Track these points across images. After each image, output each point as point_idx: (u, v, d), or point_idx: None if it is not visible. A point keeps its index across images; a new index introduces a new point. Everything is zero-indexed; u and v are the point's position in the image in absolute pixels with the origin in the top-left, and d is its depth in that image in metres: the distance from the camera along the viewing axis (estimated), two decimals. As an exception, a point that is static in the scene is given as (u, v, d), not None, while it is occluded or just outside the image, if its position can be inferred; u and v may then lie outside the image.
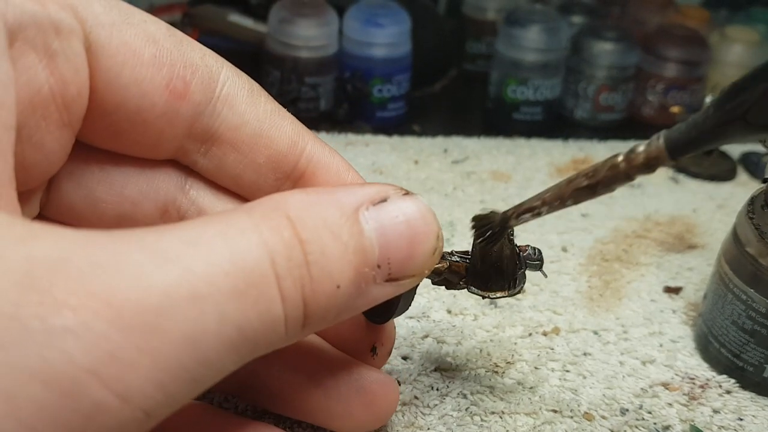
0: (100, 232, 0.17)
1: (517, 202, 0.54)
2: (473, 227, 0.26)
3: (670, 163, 0.21)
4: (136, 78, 0.22)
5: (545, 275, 0.29)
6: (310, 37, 0.59)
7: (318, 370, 0.28)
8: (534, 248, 0.28)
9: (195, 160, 0.25)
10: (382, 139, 0.59)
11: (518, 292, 0.28)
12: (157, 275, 0.16)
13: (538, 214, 0.24)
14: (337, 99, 0.62)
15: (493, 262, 0.27)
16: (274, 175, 0.26)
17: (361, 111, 0.62)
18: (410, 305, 0.27)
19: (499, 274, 0.27)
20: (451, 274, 0.27)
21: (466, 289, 0.28)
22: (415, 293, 0.27)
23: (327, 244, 0.19)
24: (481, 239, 0.26)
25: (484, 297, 0.28)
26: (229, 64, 0.25)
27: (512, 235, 0.27)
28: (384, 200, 0.21)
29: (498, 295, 0.27)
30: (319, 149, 0.26)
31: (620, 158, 0.22)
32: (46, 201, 0.24)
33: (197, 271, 0.17)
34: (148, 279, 0.16)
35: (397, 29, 0.60)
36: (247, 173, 0.25)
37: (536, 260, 0.28)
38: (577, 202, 0.23)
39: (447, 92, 0.72)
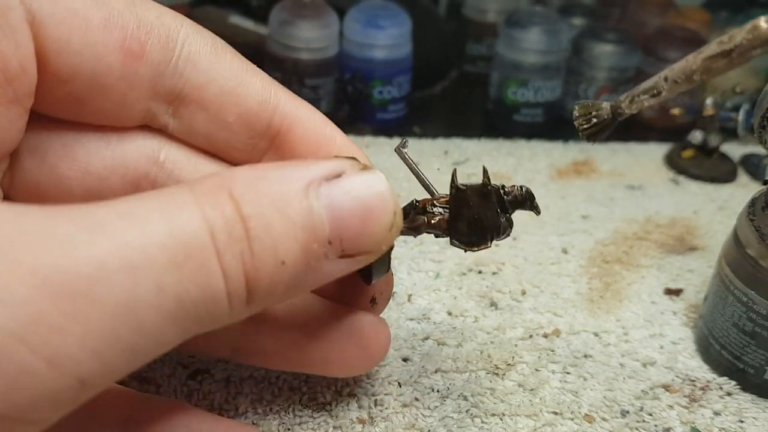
0: (33, 206, 0.17)
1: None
2: (578, 121, 0.24)
3: None
4: (87, 42, 0.22)
5: (538, 212, 0.27)
6: (310, 38, 0.59)
7: (308, 321, 0.28)
8: (521, 187, 0.27)
9: (165, 123, 0.25)
10: (382, 140, 0.59)
11: (504, 238, 0.27)
12: (89, 245, 0.16)
13: (658, 95, 0.21)
14: (337, 100, 0.62)
15: (470, 217, 0.26)
16: (247, 134, 0.25)
17: (361, 112, 0.62)
18: (388, 270, 0.27)
19: (479, 228, 0.26)
20: (432, 228, 0.26)
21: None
22: (389, 259, 0.26)
23: (271, 221, 0.19)
24: (588, 128, 0.24)
25: (465, 251, 0.27)
26: (191, 22, 0.24)
27: (489, 185, 0.26)
28: (338, 176, 0.21)
29: (480, 248, 0.26)
30: (294, 105, 0.26)
31: (762, 20, 0.20)
32: (10, 182, 0.24)
33: (132, 243, 0.17)
34: (79, 249, 0.16)
35: (397, 31, 0.60)
36: (220, 133, 0.25)
37: (525, 201, 0.27)
38: (709, 74, 0.20)
39: (447, 94, 0.72)
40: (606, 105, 0.23)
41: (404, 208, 0.27)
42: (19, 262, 0.15)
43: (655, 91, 0.22)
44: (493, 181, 0.26)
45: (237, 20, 0.68)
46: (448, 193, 0.26)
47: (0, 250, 0.15)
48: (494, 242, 0.27)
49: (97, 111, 0.23)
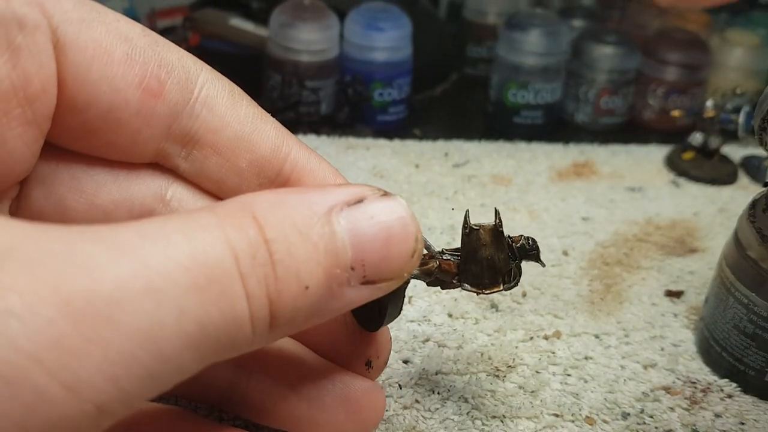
0: (54, 225, 0.16)
1: (517, 205, 0.54)
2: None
3: None
4: (107, 74, 0.22)
5: (543, 264, 0.28)
6: (311, 41, 0.59)
7: (301, 379, 0.27)
8: (527, 238, 0.27)
9: (177, 164, 0.25)
10: (382, 142, 0.59)
11: (514, 286, 0.27)
12: (110, 267, 0.16)
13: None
14: (337, 103, 0.62)
15: (483, 258, 0.26)
16: (258, 180, 0.25)
17: (361, 115, 0.62)
18: (400, 311, 0.26)
19: (492, 270, 0.26)
20: (443, 273, 0.26)
21: (460, 288, 0.27)
22: (403, 298, 0.26)
23: (294, 244, 0.19)
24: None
25: (478, 294, 0.27)
26: (209, 68, 0.25)
27: (501, 227, 0.26)
28: (360, 201, 0.21)
29: (493, 291, 0.27)
30: (305, 155, 0.26)
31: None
32: (16, 209, 0.24)
33: (154, 265, 0.16)
34: (101, 270, 0.16)
35: (397, 33, 0.61)
36: (230, 178, 0.25)
37: (531, 250, 0.27)
38: None
39: (448, 96, 0.72)
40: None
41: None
42: (41, 282, 0.15)
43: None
44: (499, 224, 0.26)
45: (237, 22, 0.68)
46: (461, 233, 0.27)
47: (23, 268, 0.15)
48: (505, 287, 0.27)
49: (109, 145, 0.23)
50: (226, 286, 0.17)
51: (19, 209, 0.24)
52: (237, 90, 0.25)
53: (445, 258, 0.27)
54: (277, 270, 0.18)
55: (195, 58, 0.24)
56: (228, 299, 0.17)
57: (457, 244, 0.27)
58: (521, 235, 0.27)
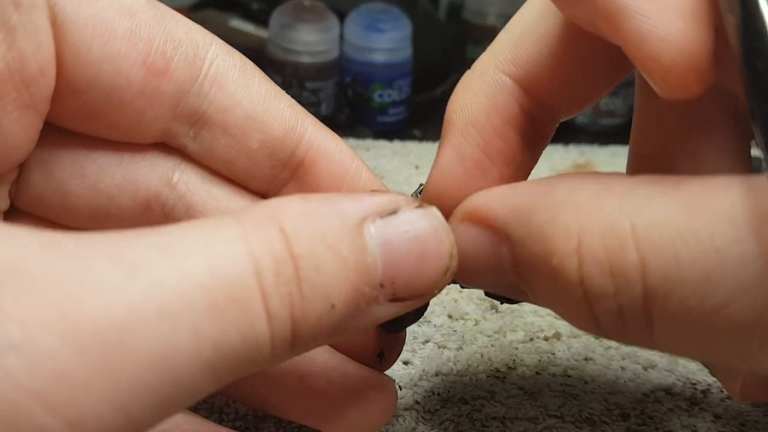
0: (65, 236, 0.15)
1: (518, 206, 0.53)
2: None
3: None
4: (108, 53, 0.21)
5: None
6: (311, 42, 0.59)
7: (310, 371, 0.26)
8: None
9: (185, 144, 0.23)
10: (383, 143, 0.59)
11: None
12: (122, 288, 0.15)
13: None
14: (338, 104, 0.62)
15: None
16: (270, 162, 0.24)
17: (361, 116, 0.62)
18: (424, 314, 0.25)
19: None
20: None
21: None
22: (427, 305, 0.25)
23: (323, 260, 0.18)
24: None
25: (502, 302, 0.26)
26: (220, 42, 0.23)
27: None
28: (394, 212, 0.19)
29: (519, 301, 0.26)
30: (321, 135, 0.24)
31: None
32: (16, 192, 0.23)
33: (170, 284, 0.15)
34: (111, 291, 0.15)
35: (397, 34, 0.61)
36: (241, 159, 0.24)
37: None
38: None
39: (448, 97, 0.72)
40: None
41: None
42: (45, 307, 0.14)
43: None
44: None
45: (237, 24, 0.68)
46: None
47: (26, 290, 0.14)
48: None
49: (112, 126, 0.22)
50: (247, 306, 0.16)
51: (19, 193, 0.23)
52: (249, 65, 0.24)
53: None
54: (303, 288, 0.17)
55: (205, 31, 0.23)
56: (248, 320, 0.16)
57: None
58: None
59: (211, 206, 0.25)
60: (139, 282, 0.15)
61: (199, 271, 0.16)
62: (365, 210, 0.19)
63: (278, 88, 0.24)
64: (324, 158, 0.24)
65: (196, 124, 0.23)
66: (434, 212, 0.20)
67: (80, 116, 0.22)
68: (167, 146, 0.24)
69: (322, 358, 0.27)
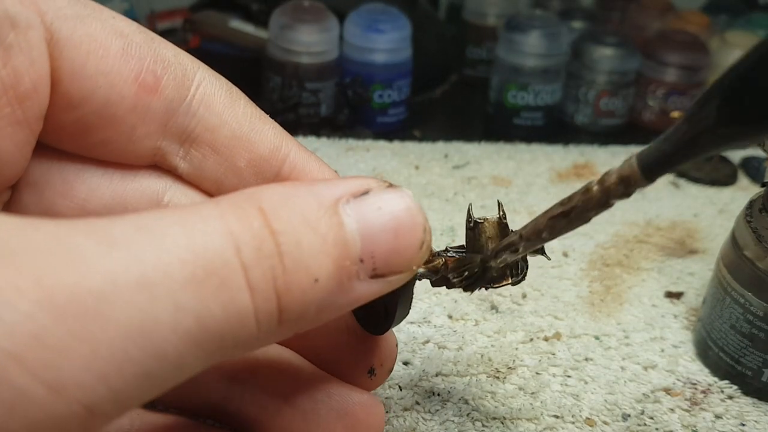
0: (46, 219, 0.16)
1: (518, 207, 0.54)
2: (453, 276, 0.25)
3: (644, 183, 0.20)
4: (102, 69, 0.21)
5: (548, 258, 0.27)
6: (310, 42, 0.59)
7: (296, 391, 0.26)
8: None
9: (175, 164, 0.24)
10: (382, 144, 0.59)
11: (522, 279, 0.27)
12: (100, 260, 0.15)
13: (516, 251, 0.23)
14: (337, 104, 0.62)
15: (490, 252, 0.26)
16: (256, 180, 0.25)
17: (361, 116, 0.62)
18: (408, 312, 0.26)
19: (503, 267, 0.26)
20: (450, 271, 0.26)
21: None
22: (412, 299, 0.26)
23: (303, 236, 0.18)
24: (461, 280, 0.25)
25: (486, 288, 0.26)
26: (206, 67, 0.24)
27: (505, 219, 0.26)
28: (366, 192, 0.20)
29: (501, 285, 0.26)
30: (304, 157, 0.26)
31: (593, 183, 0.21)
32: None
33: (148, 258, 0.16)
34: (90, 263, 0.15)
35: (397, 35, 0.61)
36: (229, 177, 0.25)
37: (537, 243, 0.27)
38: (553, 234, 0.22)
39: (448, 97, 0.72)
40: (477, 258, 0.25)
41: None
42: (21, 275, 0.14)
43: (513, 248, 0.23)
44: (503, 216, 0.26)
45: (237, 24, 0.68)
46: (465, 227, 0.26)
47: (4, 260, 0.14)
48: (513, 280, 0.26)
49: (104, 143, 0.23)
50: (226, 279, 0.17)
51: (9, 212, 0.23)
52: (235, 89, 0.25)
53: (450, 255, 0.26)
54: (285, 262, 0.18)
55: (192, 57, 0.24)
56: (228, 292, 0.17)
57: (459, 243, 0.27)
58: (526, 226, 0.27)
59: None
60: (118, 255, 0.15)
61: (178, 247, 0.16)
62: (340, 191, 0.20)
63: (261, 111, 0.25)
64: (307, 177, 0.26)
65: (185, 143, 0.24)
66: (405, 191, 0.21)
67: (73, 132, 0.23)
68: (157, 168, 0.25)
69: (308, 377, 0.27)
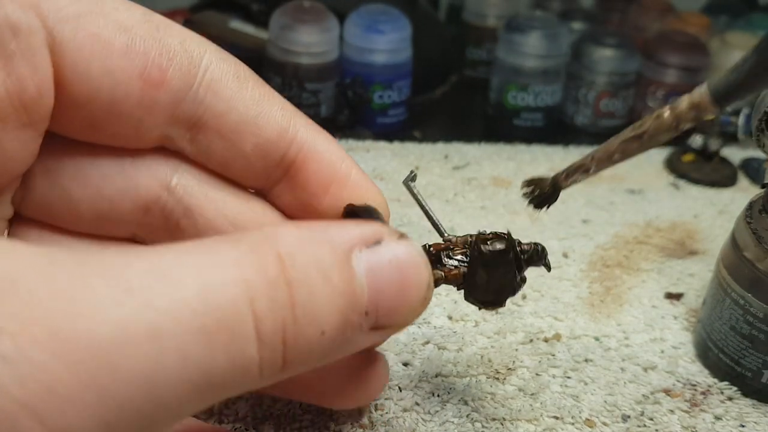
0: (65, 253, 0.16)
1: (518, 208, 0.54)
2: (524, 193, 0.25)
3: (714, 109, 0.20)
4: (106, 69, 0.21)
5: (548, 269, 0.27)
6: (310, 43, 0.59)
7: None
8: (537, 248, 0.27)
9: (182, 147, 0.25)
10: (382, 145, 0.59)
11: (514, 294, 0.27)
12: (114, 307, 0.15)
13: (587, 172, 0.24)
14: (337, 105, 0.62)
15: (490, 279, 0.26)
16: (263, 163, 0.25)
17: (361, 117, 0.62)
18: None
19: (497, 290, 0.26)
20: (448, 282, 0.26)
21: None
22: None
23: (316, 286, 0.18)
24: (533, 199, 0.25)
25: (480, 308, 0.27)
26: (215, 48, 0.24)
27: (513, 251, 0.25)
28: (378, 242, 0.20)
29: (495, 309, 0.26)
30: (312, 136, 0.25)
31: (664, 109, 0.22)
32: (21, 200, 0.24)
33: (161, 306, 0.16)
34: (103, 310, 0.15)
35: (397, 35, 0.61)
36: (236, 161, 0.25)
37: (539, 258, 0.27)
38: (625, 156, 0.22)
39: (448, 98, 0.72)
40: (548, 179, 0.25)
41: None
42: (37, 322, 0.14)
43: (585, 169, 0.24)
44: (507, 235, 0.26)
45: (237, 25, 0.68)
46: (463, 241, 0.26)
47: (21, 305, 0.14)
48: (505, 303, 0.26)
49: (113, 135, 0.23)
50: (237, 331, 0.16)
51: (24, 200, 0.24)
52: (243, 71, 0.24)
53: (452, 265, 0.26)
54: (296, 313, 0.18)
55: (199, 39, 0.24)
56: (237, 344, 0.16)
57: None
58: (531, 244, 0.27)
59: (208, 207, 0.26)
60: (132, 302, 0.15)
61: (191, 295, 0.16)
62: (352, 239, 0.20)
63: (271, 90, 0.25)
64: (314, 160, 0.25)
65: (192, 129, 0.24)
66: (413, 243, 0.21)
67: (82, 128, 0.23)
68: (166, 150, 0.25)
69: None
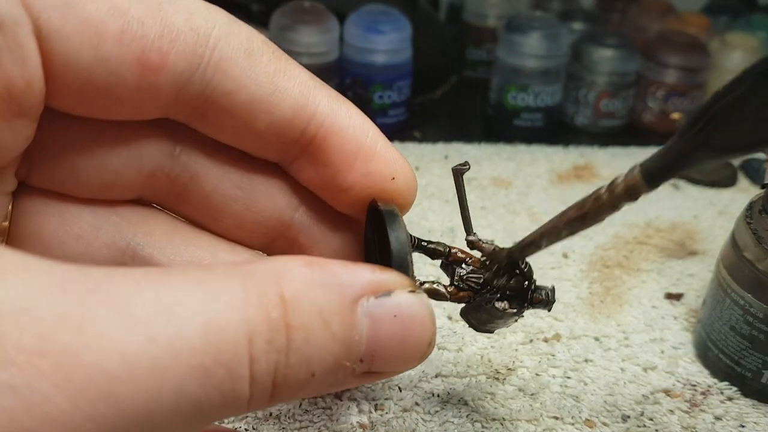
0: (77, 275, 0.16)
1: (518, 208, 0.54)
2: (483, 263, 0.26)
3: (647, 190, 0.22)
4: (99, 56, 0.20)
5: (549, 309, 0.27)
6: (311, 43, 0.59)
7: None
8: (549, 296, 0.27)
9: (188, 121, 0.24)
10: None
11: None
12: (120, 339, 0.16)
13: (539, 247, 0.24)
14: (337, 105, 0.62)
15: (495, 317, 0.26)
16: (278, 141, 0.24)
17: (361, 117, 0.62)
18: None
19: (497, 323, 0.26)
20: (452, 300, 0.26)
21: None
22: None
23: (314, 332, 0.18)
24: (491, 276, 0.25)
25: (469, 327, 0.27)
26: (226, 21, 0.22)
27: (534, 285, 0.25)
28: (388, 293, 0.20)
29: (486, 333, 0.27)
30: (333, 111, 0.24)
31: (603, 190, 0.23)
32: (28, 173, 0.24)
33: (163, 342, 0.16)
34: (109, 341, 0.15)
35: (397, 36, 0.61)
36: (248, 137, 0.24)
37: (547, 303, 0.27)
38: (572, 233, 0.24)
39: (448, 99, 0.72)
40: (503, 251, 0.26)
41: (433, 249, 0.27)
42: (44, 354, 0.15)
43: (537, 245, 0.25)
44: (521, 263, 0.25)
45: (238, 25, 0.68)
46: (488, 252, 0.26)
47: (29, 335, 0.15)
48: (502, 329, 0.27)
49: (112, 114, 0.23)
50: (233, 371, 0.17)
51: (31, 174, 0.24)
52: (257, 44, 0.23)
53: (460, 287, 0.26)
54: (290, 358, 0.18)
55: (209, 12, 0.22)
56: (231, 383, 0.17)
57: (457, 244, 0.27)
58: (545, 287, 0.26)
59: (215, 173, 0.25)
60: (137, 335, 0.16)
61: (194, 332, 0.16)
62: (362, 287, 0.19)
63: (289, 63, 0.24)
64: (336, 134, 0.24)
65: (198, 109, 0.23)
66: (424, 299, 0.21)
67: (81, 107, 0.22)
68: (170, 122, 0.24)
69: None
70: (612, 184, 0.23)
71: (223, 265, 0.19)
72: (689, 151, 0.20)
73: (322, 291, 0.19)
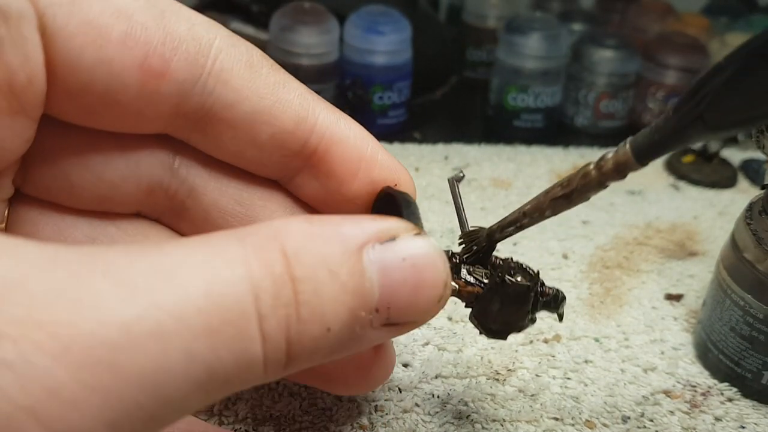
0: (68, 251, 0.16)
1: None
2: (461, 244, 0.25)
3: (637, 167, 0.21)
4: (101, 58, 0.20)
5: (560, 320, 0.27)
6: (310, 44, 0.59)
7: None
8: (558, 293, 0.26)
9: (188, 136, 0.23)
10: (382, 146, 0.59)
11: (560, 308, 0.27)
12: (118, 307, 0.15)
13: (521, 227, 0.24)
14: (337, 106, 0.62)
15: (503, 311, 0.25)
16: (280, 153, 0.24)
17: (361, 118, 0.62)
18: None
19: (506, 323, 0.25)
20: (459, 296, 0.25)
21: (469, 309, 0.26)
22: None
23: (322, 283, 0.18)
24: (470, 255, 0.25)
25: (480, 333, 0.26)
26: (226, 34, 0.23)
27: (534, 291, 0.25)
28: (392, 239, 0.19)
29: (498, 339, 0.26)
30: (333, 123, 0.24)
31: (591, 166, 0.22)
32: (23, 180, 0.23)
33: (165, 306, 0.15)
34: (107, 311, 0.15)
35: (397, 37, 0.61)
36: (249, 150, 0.24)
37: (557, 305, 0.26)
38: (555, 212, 0.23)
39: (448, 99, 0.72)
40: (483, 232, 0.26)
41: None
42: (38, 325, 0.14)
43: (518, 224, 0.24)
44: (535, 274, 0.25)
45: (238, 26, 0.68)
46: (492, 275, 0.25)
47: (24, 308, 0.14)
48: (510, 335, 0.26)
49: (112, 122, 0.22)
50: (241, 329, 0.16)
51: (25, 183, 0.23)
52: (257, 56, 0.23)
53: (468, 281, 0.25)
54: (300, 311, 0.17)
55: (209, 24, 0.22)
56: (242, 342, 0.16)
57: (456, 249, 0.27)
58: (554, 289, 0.26)
59: (213, 187, 0.25)
60: (135, 302, 0.15)
61: (196, 293, 0.16)
62: (366, 235, 0.19)
63: (287, 77, 0.24)
64: (338, 145, 0.24)
65: (200, 121, 0.23)
66: (431, 241, 0.20)
67: (78, 114, 0.22)
68: (168, 137, 0.24)
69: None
70: (601, 160, 0.22)
71: (219, 232, 0.18)
72: (683, 128, 0.20)
73: (323, 242, 0.18)
